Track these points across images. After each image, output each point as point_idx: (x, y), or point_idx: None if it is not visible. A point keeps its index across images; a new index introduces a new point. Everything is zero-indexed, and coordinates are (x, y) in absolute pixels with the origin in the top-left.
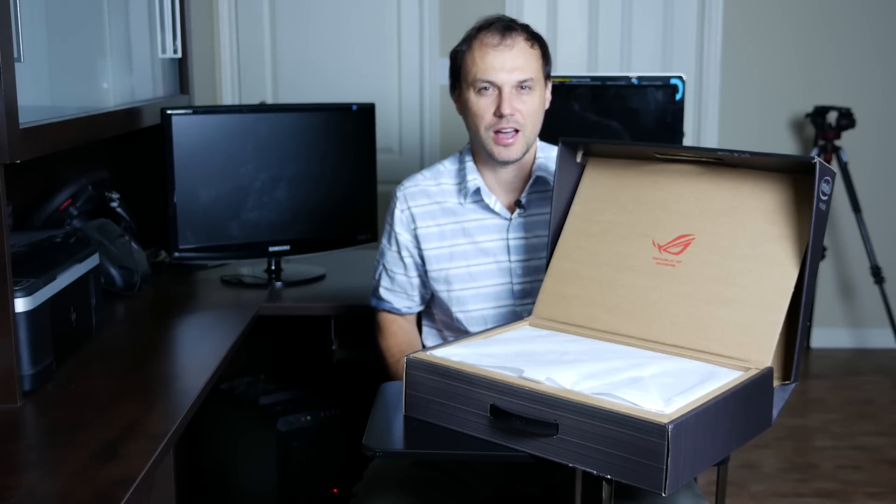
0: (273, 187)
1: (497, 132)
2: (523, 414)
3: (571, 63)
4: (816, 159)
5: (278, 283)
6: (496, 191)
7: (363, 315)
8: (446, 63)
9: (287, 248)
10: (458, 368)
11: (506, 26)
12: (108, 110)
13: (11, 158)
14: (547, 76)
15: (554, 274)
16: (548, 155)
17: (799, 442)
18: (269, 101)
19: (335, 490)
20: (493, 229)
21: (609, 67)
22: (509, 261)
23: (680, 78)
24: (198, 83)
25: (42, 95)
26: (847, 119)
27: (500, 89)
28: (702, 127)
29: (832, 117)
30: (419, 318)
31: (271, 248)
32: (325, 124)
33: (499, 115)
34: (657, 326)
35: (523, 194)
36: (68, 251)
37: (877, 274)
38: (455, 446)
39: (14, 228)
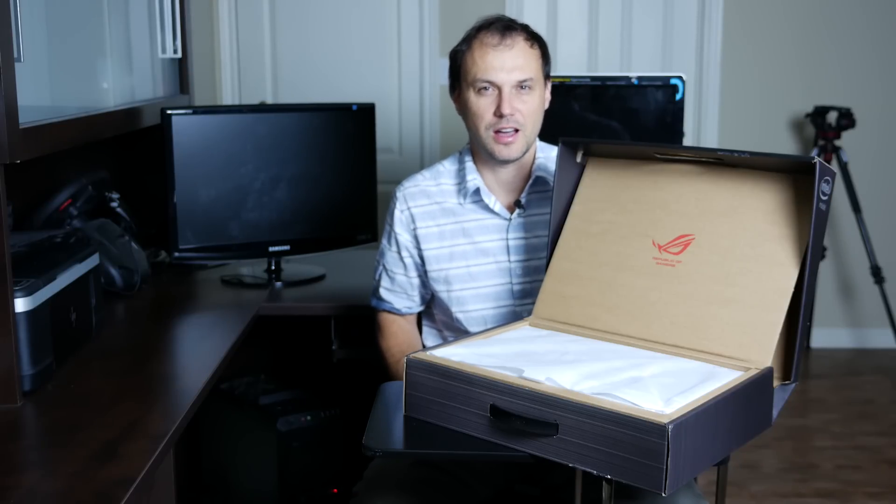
0: (273, 187)
1: (497, 132)
2: (523, 414)
3: (571, 63)
4: (816, 159)
5: (278, 283)
6: (496, 191)
7: (363, 315)
8: (446, 63)
9: (287, 248)
10: (458, 368)
11: (505, 26)
12: (108, 110)
13: (11, 158)
14: (547, 76)
15: (554, 274)
16: (547, 155)
17: (799, 442)
18: (269, 101)
19: (335, 490)
20: (492, 229)
21: (609, 67)
22: (509, 261)
23: (680, 78)
24: (198, 83)
25: (42, 95)
26: (847, 119)
27: (499, 89)
28: (702, 127)
29: (832, 117)
30: (419, 318)
31: (271, 248)
32: (325, 124)
33: (499, 114)
34: (657, 326)
35: (523, 194)
36: (68, 251)
37: (877, 274)
38: (455, 446)
39: (14, 228)
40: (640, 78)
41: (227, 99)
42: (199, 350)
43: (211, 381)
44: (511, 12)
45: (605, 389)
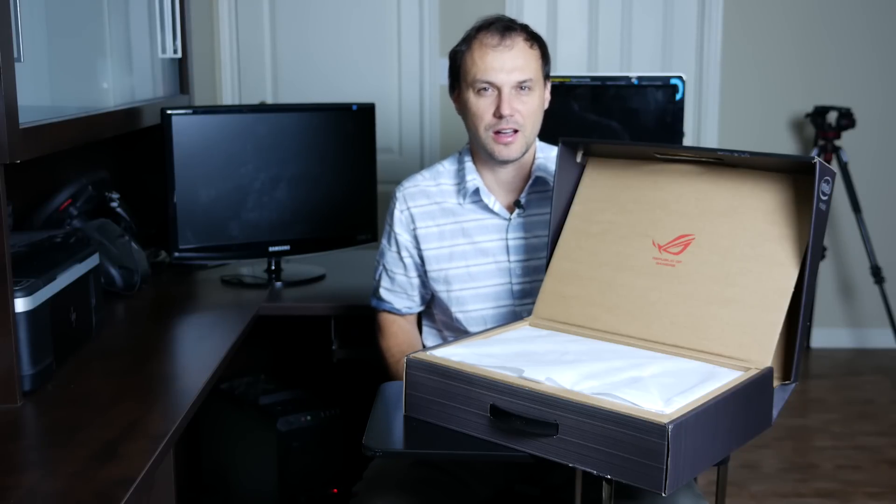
0: (273, 187)
1: (497, 132)
2: (523, 414)
3: (571, 63)
4: (816, 159)
5: (278, 283)
6: (495, 191)
7: (363, 315)
8: (446, 63)
9: (287, 248)
10: (458, 368)
11: (505, 27)
12: (108, 110)
13: (11, 158)
14: (546, 76)
15: (554, 274)
16: (547, 155)
17: (799, 442)
18: (269, 101)
19: (335, 490)
20: (492, 229)
21: (609, 67)
22: (508, 261)
23: (680, 78)
24: (198, 83)
25: (42, 95)
26: (847, 119)
27: (499, 90)
28: (702, 127)
29: (832, 117)
30: (419, 318)
31: (271, 248)
32: (325, 124)
33: (498, 115)
34: (657, 326)
35: (522, 194)
36: (68, 251)
37: (877, 274)
38: (455, 446)
39: (14, 228)
40: (640, 78)
41: (227, 99)
42: (199, 350)
43: (211, 381)
44: (511, 12)
45: (605, 389)
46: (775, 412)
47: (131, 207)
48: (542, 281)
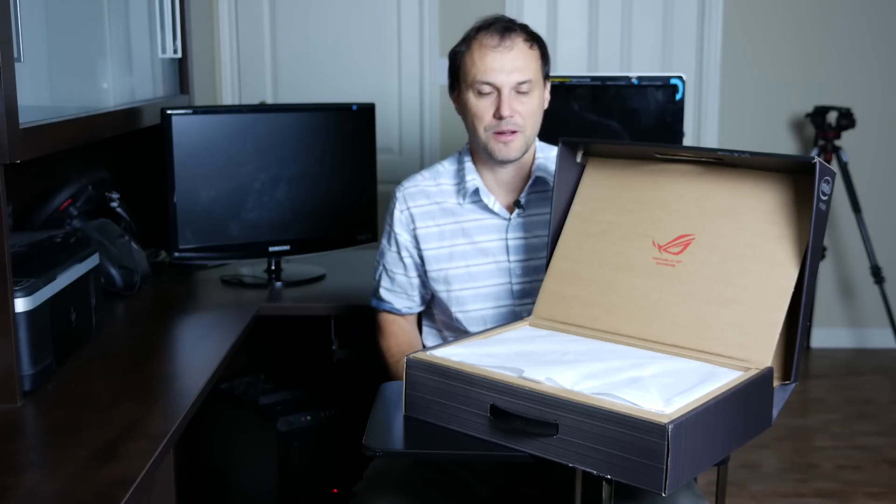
0: (273, 187)
1: (497, 132)
2: (523, 414)
3: (571, 63)
4: (816, 159)
5: (278, 283)
6: (495, 191)
7: (363, 315)
8: (446, 63)
9: (287, 248)
10: (458, 368)
11: (505, 27)
12: (108, 110)
13: (11, 158)
14: (546, 76)
15: (554, 274)
16: (547, 155)
17: (799, 442)
18: (269, 101)
19: (335, 490)
20: (491, 229)
21: (609, 67)
22: (508, 261)
23: (680, 78)
24: (198, 83)
25: (42, 95)
26: (847, 119)
27: (499, 91)
28: (702, 127)
29: (832, 117)
30: (419, 318)
31: (271, 248)
32: (325, 124)
33: (498, 116)
34: (657, 326)
35: (522, 194)
36: (68, 251)
37: (877, 274)
38: (455, 446)
39: (14, 228)
40: (640, 78)
41: (227, 99)
42: (199, 350)
43: (211, 381)
44: (511, 12)
45: (605, 389)
46: (775, 412)
47: (131, 207)
48: (541, 281)
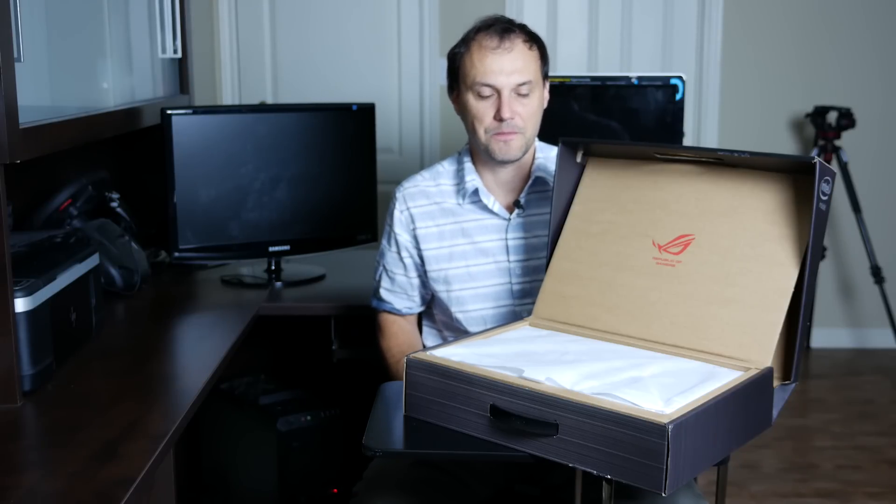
0: (273, 187)
1: (497, 133)
2: (523, 414)
3: (571, 63)
4: (816, 159)
5: (278, 283)
6: (495, 191)
7: (363, 315)
8: (446, 63)
9: (287, 248)
10: (458, 368)
11: (504, 28)
12: (108, 110)
13: (11, 158)
14: (545, 76)
15: (554, 274)
16: (547, 155)
17: (799, 442)
18: (269, 101)
19: (335, 490)
20: (491, 229)
21: (609, 67)
22: (508, 261)
23: (680, 78)
24: (198, 83)
25: (42, 95)
26: (847, 119)
27: (499, 92)
28: (702, 127)
29: (832, 117)
30: (419, 318)
31: (271, 248)
32: (325, 124)
33: (499, 119)
34: (657, 326)
35: (522, 194)
36: (68, 251)
37: (877, 274)
38: (455, 446)
39: (14, 228)
40: (640, 78)
41: (227, 99)
42: (199, 350)
43: (211, 381)
44: (511, 12)
45: (605, 389)
46: (775, 412)
47: (131, 207)
48: (541, 281)
